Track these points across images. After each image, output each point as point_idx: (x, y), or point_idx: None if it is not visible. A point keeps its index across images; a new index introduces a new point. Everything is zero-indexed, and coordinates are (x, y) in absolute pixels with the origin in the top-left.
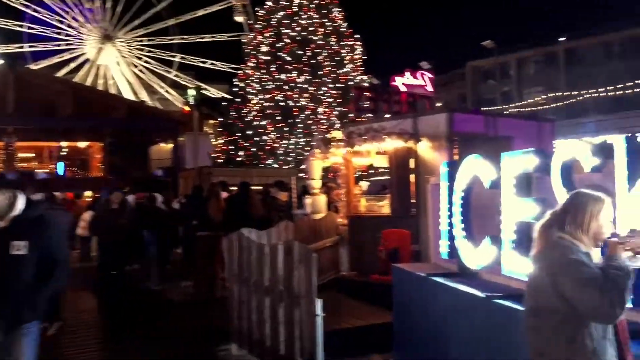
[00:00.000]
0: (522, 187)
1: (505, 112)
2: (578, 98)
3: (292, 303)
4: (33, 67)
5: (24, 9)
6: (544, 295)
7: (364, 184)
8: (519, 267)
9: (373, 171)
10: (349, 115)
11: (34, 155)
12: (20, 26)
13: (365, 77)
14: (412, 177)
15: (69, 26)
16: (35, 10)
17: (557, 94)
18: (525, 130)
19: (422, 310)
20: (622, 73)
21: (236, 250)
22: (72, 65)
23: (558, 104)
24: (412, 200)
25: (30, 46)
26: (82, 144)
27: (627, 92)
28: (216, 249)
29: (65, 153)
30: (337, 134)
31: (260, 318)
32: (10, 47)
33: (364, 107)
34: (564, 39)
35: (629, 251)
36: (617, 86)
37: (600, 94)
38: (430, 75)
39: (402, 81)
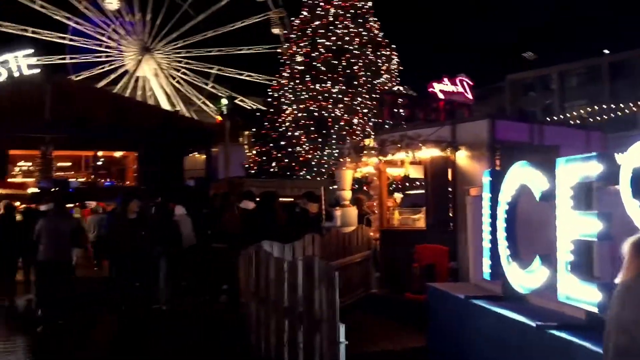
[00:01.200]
0: (582, 199)
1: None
2: (626, 111)
3: (313, 327)
4: (74, 78)
5: (66, 21)
6: None
7: (398, 196)
8: (579, 293)
9: (407, 184)
10: (385, 126)
11: (70, 164)
12: (63, 38)
13: (401, 88)
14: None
15: (110, 38)
16: (77, 23)
17: (603, 106)
18: (573, 139)
19: (461, 336)
20: None
21: (253, 265)
22: (112, 76)
23: (604, 117)
24: (449, 214)
25: (72, 58)
26: (117, 154)
27: None
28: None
29: (101, 162)
30: (370, 142)
31: (279, 341)
32: (52, 58)
33: (398, 114)
34: (607, 52)
35: None
36: None
37: None
38: (470, 82)
39: (440, 87)
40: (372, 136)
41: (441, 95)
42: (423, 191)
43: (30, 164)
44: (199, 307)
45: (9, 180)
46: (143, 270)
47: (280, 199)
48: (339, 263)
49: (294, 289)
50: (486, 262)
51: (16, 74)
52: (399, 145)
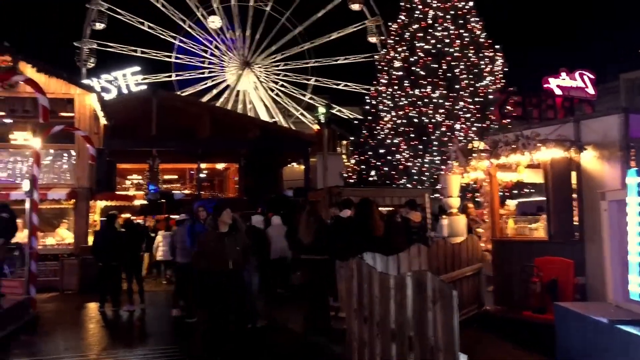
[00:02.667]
0: None
1: None
2: None
3: (425, 355)
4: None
5: (172, 40)
6: None
7: (512, 203)
8: None
9: (516, 190)
10: (490, 130)
11: (176, 176)
12: (169, 57)
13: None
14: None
15: (212, 55)
16: (182, 42)
17: None
18: None
19: None
20: None
21: (355, 280)
22: (214, 91)
23: None
24: (574, 222)
25: (177, 75)
26: (219, 166)
27: None
28: (324, 275)
29: (204, 175)
30: (479, 144)
31: None
32: (159, 76)
33: (509, 113)
34: None
35: None
36: None
37: None
38: (591, 76)
39: (557, 83)
40: (479, 139)
41: (558, 92)
42: (534, 198)
43: (139, 177)
44: (294, 322)
45: (118, 192)
46: (236, 287)
47: (380, 208)
48: (448, 277)
49: (402, 309)
50: (634, 280)
51: (125, 91)
52: (514, 147)
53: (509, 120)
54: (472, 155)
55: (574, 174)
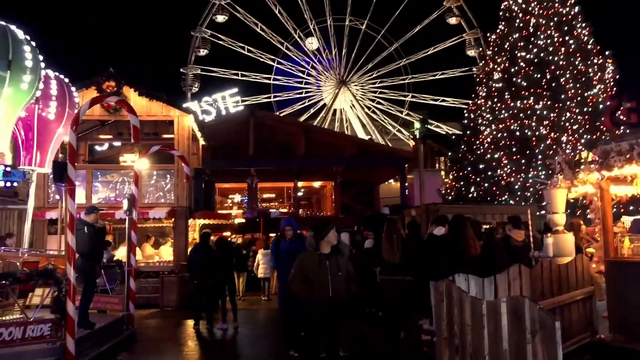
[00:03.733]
0: None
1: None
2: None
3: None
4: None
5: (271, 62)
6: None
7: (627, 220)
8: None
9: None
10: (600, 141)
11: (274, 195)
12: (268, 78)
13: (608, 103)
14: None
15: (309, 75)
16: (280, 63)
17: None
18: None
19: None
20: None
21: (445, 305)
22: (312, 111)
23: None
24: None
25: (275, 96)
26: (316, 184)
27: None
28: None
29: (301, 193)
30: (587, 156)
31: None
32: (259, 98)
33: (622, 121)
34: None
35: None
36: None
37: None
38: None
39: None
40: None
41: None
42: None
43: (240, 195)
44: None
45: (218, 212)
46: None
47: (484, 225)
48: (554, 302)
49: (497, 340)
50: None
51: (223, 113)
52: (628, 156)
53: (622, 129)
54: (579, 167)
55: None
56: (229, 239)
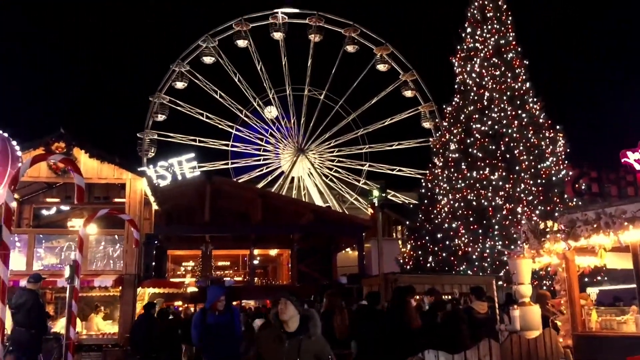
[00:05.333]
0: None
1: None
2: None
3: None
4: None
5: (229, 129)
6: None
7: (593, 291)
8: None
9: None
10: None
11: (229, 263)
12: (226, 145)
13: (570, 172)
14: None
15: (267, 142)
16: (238, 130)
17: None
18: None
19: None
20: None
21: None
22: (269, 178)
23: None
24: None
25: (233, 163)
26: (272, 252)
27: None
28: None
29: (257, 261)
30: (552, 225)
31: None
32: (216, 164)
33: (584, 190)
34: None
35: None
36: None
37: None
38: None
39: (636, 157)
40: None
41: (638, 166)
42: (611, 287)
43: (193, 263)
44: None
45: (170, 279)
46: None
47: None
48: None
49: None
50: None
51: (179, 178)
52: (595, 226)
53: (580, 200)
54: (545, 236)
55: None
56: (177, 308)
